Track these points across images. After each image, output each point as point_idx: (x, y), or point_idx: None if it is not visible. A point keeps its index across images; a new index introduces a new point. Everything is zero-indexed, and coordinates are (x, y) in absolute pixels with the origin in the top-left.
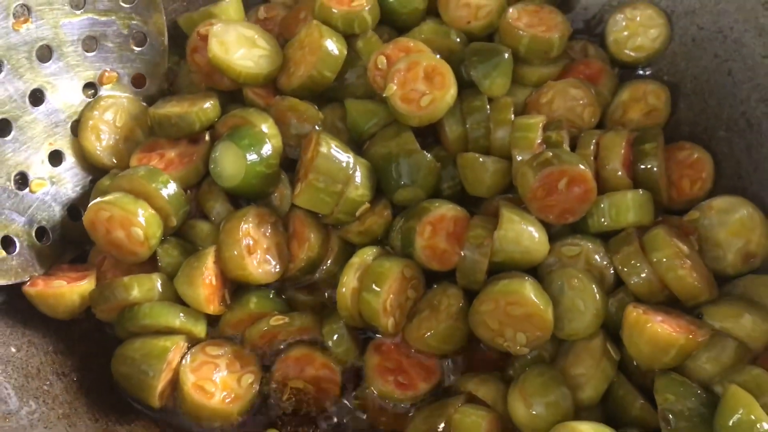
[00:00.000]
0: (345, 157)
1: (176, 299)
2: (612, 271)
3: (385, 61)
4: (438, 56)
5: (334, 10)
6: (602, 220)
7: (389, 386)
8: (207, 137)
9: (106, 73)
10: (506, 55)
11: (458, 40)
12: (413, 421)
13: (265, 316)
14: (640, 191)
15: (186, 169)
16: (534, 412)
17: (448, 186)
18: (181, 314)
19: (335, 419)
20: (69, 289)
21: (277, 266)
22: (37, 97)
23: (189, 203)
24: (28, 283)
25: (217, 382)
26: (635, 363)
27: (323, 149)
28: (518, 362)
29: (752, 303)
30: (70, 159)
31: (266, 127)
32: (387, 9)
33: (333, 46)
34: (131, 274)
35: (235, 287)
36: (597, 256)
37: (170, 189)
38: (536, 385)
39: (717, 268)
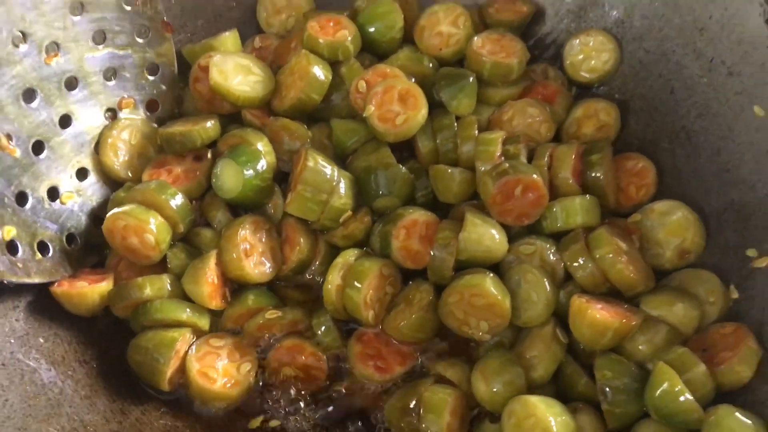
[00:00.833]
0: (330, 170)
1: (183, 296)
2: (562, 267)
3: (365, 85)
4: (412, 80)
5: (321, 40)
6: (555, 222)
7: (369, 370)
8: (209, 155)
9: (124, 99)
10: (471, 79)
11: (430, 65)
12: (389, 400)
13: (261, 311)
14: (588, 197)
15: (191, 183)
16: (494, 390)
17: (422, 194)
18: (188, 309)
19: (322, 403)
20: (90, 290)
21: (272, 267)
22: (65, 121)
23: (194, 213)
24: (56, 284)
25: (219, 370)
26: (581, 346)
27: (310, 163)
28: (482, 347)
29: (685, 293)
30: (93, 175)
31: (261, 145)
32: (368, 38)
33: (320, 72)
34: (144, 275)
35: (235, 286)
36: (550, 254)
37: (178, 200)
38: (494, 366)
39: (656, 264)
